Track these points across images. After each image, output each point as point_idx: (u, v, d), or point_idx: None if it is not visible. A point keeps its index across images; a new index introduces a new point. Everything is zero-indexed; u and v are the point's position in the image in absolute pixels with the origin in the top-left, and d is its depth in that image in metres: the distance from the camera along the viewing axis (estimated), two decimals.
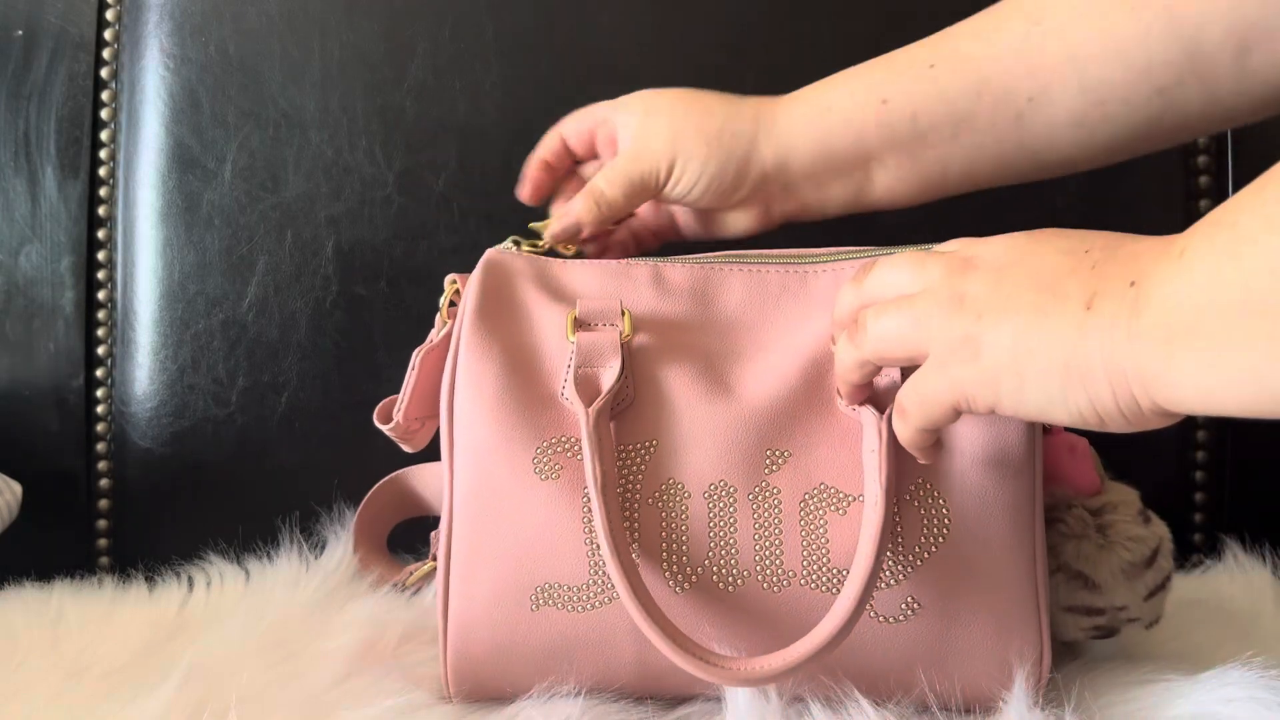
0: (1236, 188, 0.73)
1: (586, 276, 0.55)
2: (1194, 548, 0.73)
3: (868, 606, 0.49)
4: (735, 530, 0.50)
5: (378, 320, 0.72)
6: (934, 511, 0.50)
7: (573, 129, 0.62)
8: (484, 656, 0.51)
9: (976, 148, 0.55)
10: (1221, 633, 0.59)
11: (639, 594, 0.47)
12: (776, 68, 0.72)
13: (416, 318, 0.72)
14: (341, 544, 0.68)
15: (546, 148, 0.63)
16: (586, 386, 0.51)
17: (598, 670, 0.51)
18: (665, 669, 0.49)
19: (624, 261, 0.55)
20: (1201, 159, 0.73)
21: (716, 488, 0.50)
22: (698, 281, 0.55)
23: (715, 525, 0.50)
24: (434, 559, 0.58)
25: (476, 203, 0.72)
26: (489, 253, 0.56)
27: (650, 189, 0.58)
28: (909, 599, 0.50)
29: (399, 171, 0.72)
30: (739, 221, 0.60)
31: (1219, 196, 0.73)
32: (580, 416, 0.50)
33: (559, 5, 0.73)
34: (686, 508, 0.50)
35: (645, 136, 0.58)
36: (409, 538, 0.67)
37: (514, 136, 0.72)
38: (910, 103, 0.55)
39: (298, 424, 0.72)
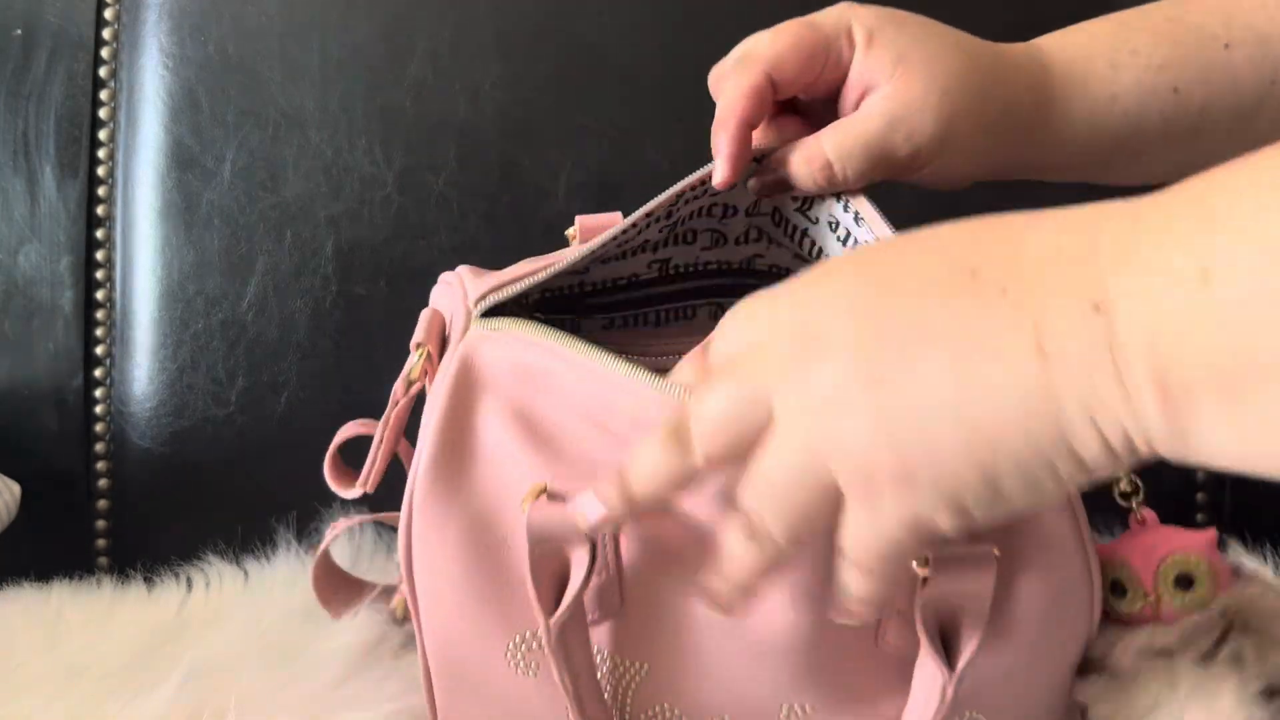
0: None
1: (574, 397, 0.43)
2: None
3: None
4: None
5: (377, 320, 0.72)
6: None
7: (788, 62, 0.46)
8: None
9: (1247, 146, 0.46)
10: None
11: None
12: None
13: (416, 318, 0.72)
14: (340, 544, 0.68)
15: (744, 103, 0.46)
16: (549, 570, 0.40)
17: None
18: None
19: (621, 373, 0.42)
20: None
21: None
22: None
23: None
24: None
25: (476, 202, 0.72)
26: (466, 347, 0.44)
27: (893, 169, 0.45)
28: None
29: (398, 171, 0.72)
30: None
31: None
32: (541, 628, 0.39)
33: (559, 5, 0.73)
34: None
35: (907, 109, 0.44)
36: None
37: (514, 136, 0.72)
38: (1203, 94, 0.46)
39: (297, 424, 0.72)
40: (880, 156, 0.44)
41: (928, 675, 0.39)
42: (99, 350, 0.74)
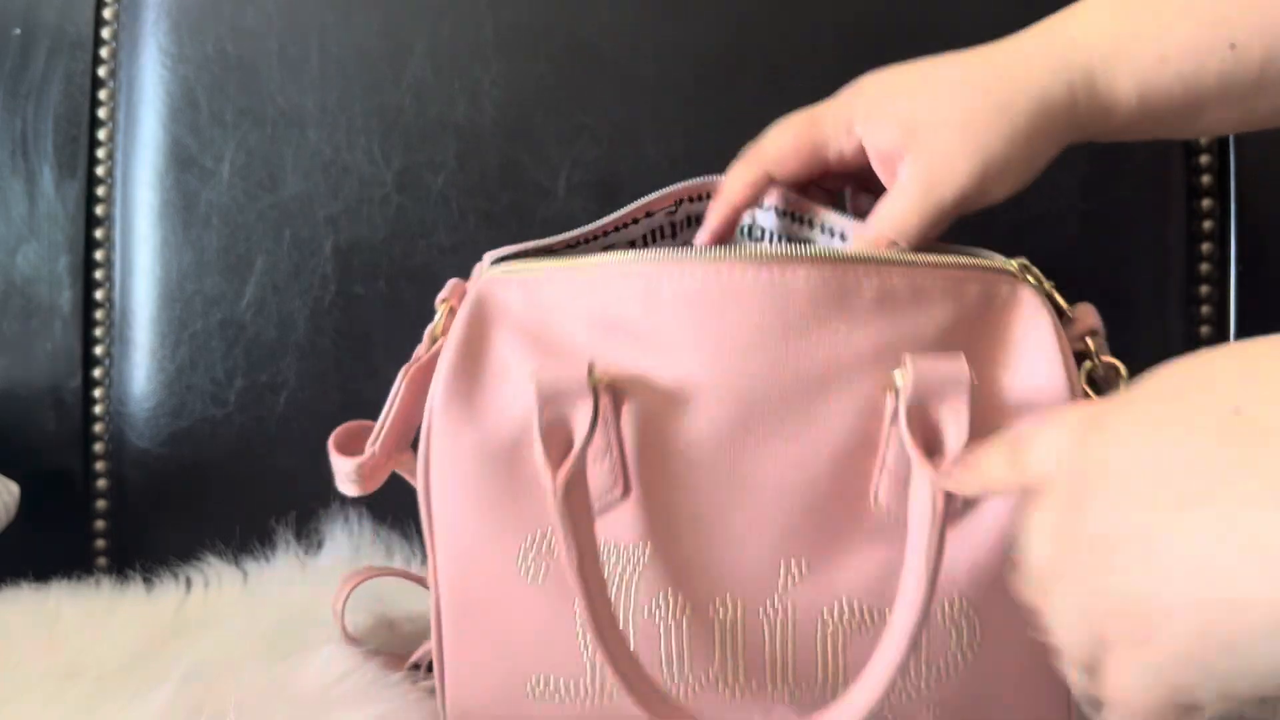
0: (1237, 187, 0.73)
1: (578, 306, 0.46)
2: None
3: (887, 715, 0.44)
4: (744, 647, 0.44)
5: (376, 320, 0.72)
6: (965, 630, 0.44)
7: (789, 161, 0.50)
8: None
9: None
10: None
11: (634, 684, 0.42)
12: (777, 67, 0.72)
13: (415, 317, 0.71)
14: (339, 544, 0.68)
15: (742, 192, 0.50)
16: (557, 439, 0.42)
17: None
18: None
19: (619, 271, 0.45)
20: (1203, 158, 0.73)
21: (722, 602, 0.44)
22: (693, 296, 0.43)
23: (721, 642, 0.44)
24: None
25: (475, 202, 0.72)
26: (481, 285, 0.48)
27: (951, 216, 0.47)
28: (925, 711, 0.44)
29: (397, 170, 0.72)
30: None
31: (1220, 196, 0.72)
32: (546, 484, 0.41)
33: (559, 5, 0.73)
34: (686, 623, 0.44)
35: (934, 168, 0.46)
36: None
37: (514, 136, 0.72)
38: (1263, 47, 0.44)
39: (296, 424, 0.72)
40: (934, 215, 0.46)
41: (921, 491, 0.40)
42: (98, 350, 0.74)
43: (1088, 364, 0.47)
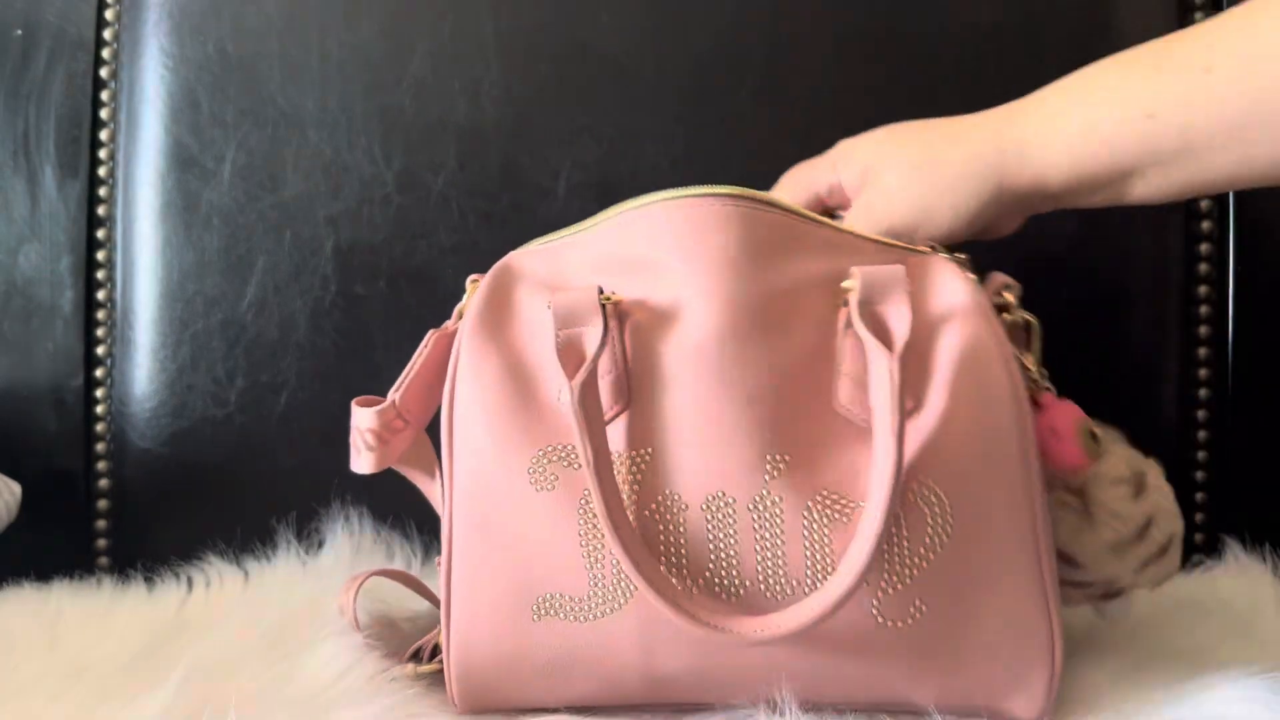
0: (1235, 189, 0.73)
1: (594, 265, 0.53)
2: (1194, 548, 0.73)
3: (875, 610, 0.48)
4: (736, 542, 0.48)
5: (376, 320, 0.72)
6: (936, 510, 0.49)
7: (793, 192, 0.60)
8: (488, 667, 0.51)
9: (1247, 158, 0.50)
10: (1221, 633, 0.59)
11: (641, 566, 0.46)
12: (777, 67, 0.72)
13: (416, 317, 0.72)
14: (340, 544, 0.68)
15: None
16: (571, 354, 0.49)
17: (603, 679, 0.50)
18: (670, 676, 0.49)
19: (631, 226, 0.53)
20: None
21: (715, 499, 0.49)
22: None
23: (715, 538, 0.49)
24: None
25: (476, 202, 0.72)
26: (504, 259, 0.55)
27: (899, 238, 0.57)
28: (915, 601, 0.49)
29: (398, 171, 0.72)
30: (1003, 228, 0.58)
31: (1220, 196, 0.73)
32: (563, 391, 0.48)
33: (559, 5, 0.73)
34: (684, 520, 0.49)
35: (878, 208, 0.57)
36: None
37: (514, 136, 0.72)
38: (1181, 116, 0.50)
39: (296, 424, 0.72)
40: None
41: (879, 369, 0.48)
42: (99, 350, 0.74)
43: (1006, 315, 0.54)
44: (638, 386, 0.50)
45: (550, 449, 0.50)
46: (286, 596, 0.63)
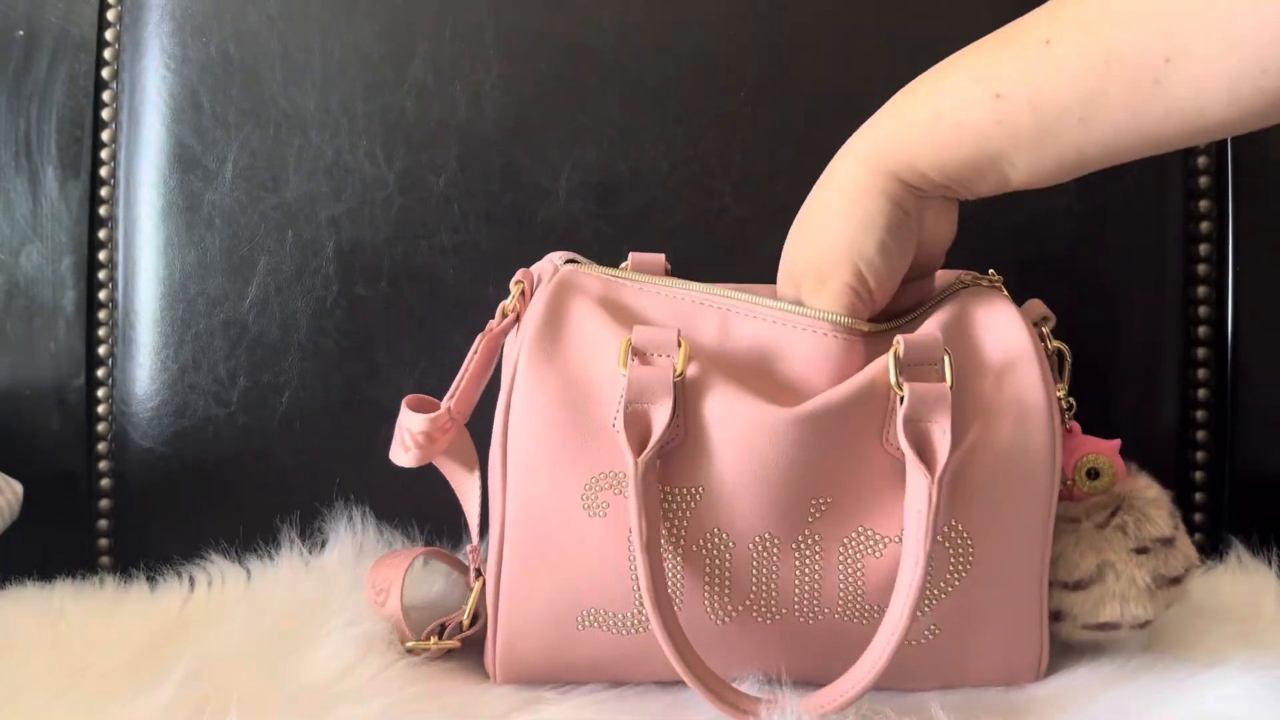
0: (1236, 189, 0.73)
1: (655, 305, 0.55)
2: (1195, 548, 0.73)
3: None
4: (777, 575, 0.51)
5: (378, 320, 0.72)
6: (960, 548, 0.51)
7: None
8: (531, 659, 0.54)
9: (1112, 128, 0.48)
10: (1222, 633, 0.59)
11: (679, 646, 0.48)
12: (776, 67, 0.72)
13: (417, 317, 0.72)
14: (342, 543, 0.68)
15: None
16: (637, 424, 0.50)
17: (642, 675, 0.54)
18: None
19: (696, 299, 0.54)
20: (1201, 159, 0.73)
21: (761, 539, 0.51)
22: (763, 339, 0.53)
23: (759, 571, 0.51)
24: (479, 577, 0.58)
25: (477, 202, 0.72)
26: (563, 273, 0.55)
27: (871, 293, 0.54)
28: (931, 627, 0.52)
29: (399, 171, 0.72)
30: (941, 232, 0.56)
31: (1219, 197, 0.73)
32: (629, 465, 0.49)
33: (559, 5, 0.73)
34: (731, 556, 0.51)
35: (806, 290, 0.54)
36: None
37: (514, 136, 0.72)
38: (1027, 91, 0.49)
39: (298, 424, 0.72)
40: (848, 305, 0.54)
41: (916, 482, 0.49)
42: (101, 350, 0.74)
43: (1044, 344, 0.55)
44: (693, 424, 0.51)
45: (603, 475, 0.51)
46: (289, 596, 0.63)
